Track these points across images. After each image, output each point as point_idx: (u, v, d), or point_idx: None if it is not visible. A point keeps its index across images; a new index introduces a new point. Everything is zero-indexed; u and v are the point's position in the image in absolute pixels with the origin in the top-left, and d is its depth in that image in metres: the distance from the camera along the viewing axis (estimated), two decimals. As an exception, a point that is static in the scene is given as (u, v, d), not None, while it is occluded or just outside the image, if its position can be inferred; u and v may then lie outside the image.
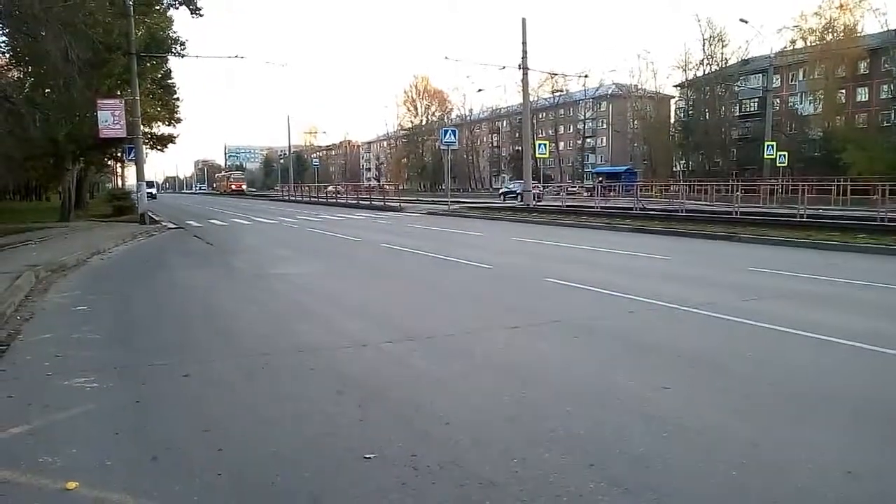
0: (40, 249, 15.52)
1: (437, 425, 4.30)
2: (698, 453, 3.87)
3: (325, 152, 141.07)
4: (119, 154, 38.22)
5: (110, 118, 24.10)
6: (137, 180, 28.31)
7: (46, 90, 26.60)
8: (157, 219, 27.87)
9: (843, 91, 58.54)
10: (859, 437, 4.13)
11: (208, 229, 24.04)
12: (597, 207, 29.30)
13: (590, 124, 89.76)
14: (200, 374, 5.58)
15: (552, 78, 73.47)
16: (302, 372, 5.63)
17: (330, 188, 72.55)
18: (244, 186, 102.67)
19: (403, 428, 4.26)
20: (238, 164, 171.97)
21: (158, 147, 39.84)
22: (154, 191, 68.15)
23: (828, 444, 4.03)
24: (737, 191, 27.68)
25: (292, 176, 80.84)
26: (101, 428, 4.35)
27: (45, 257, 13.25)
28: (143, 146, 30.76)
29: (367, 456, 3.80)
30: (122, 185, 61.00)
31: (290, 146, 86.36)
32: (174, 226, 25.57)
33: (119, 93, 27.42)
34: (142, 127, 28.70)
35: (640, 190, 38.64)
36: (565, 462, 3.71)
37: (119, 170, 65.11)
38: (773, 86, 51.55)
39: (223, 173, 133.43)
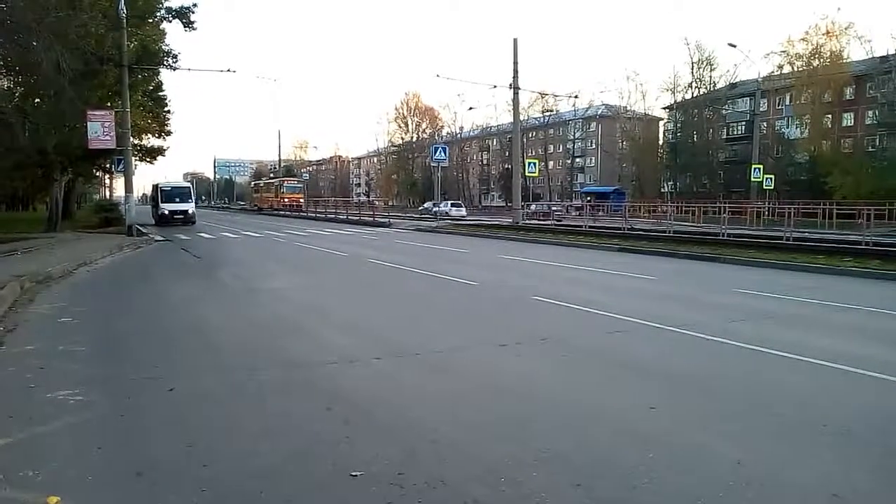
0: (26, 260, 15.39)
1: (424, 443, 4.29)
2: (684, 473, 3.88)
3: (315, 167, 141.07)
4: (108, 165, 38.09)
5: (100, 129, 24.03)
6: (126, 192, 28.18)
7: (36, 100, 26.53)
8: (144, 231, 27.70)
9: (830, 116, 59.27)
10: (844, 460, 4.15)
11: (196, 242, 23.93)
12: (585, 227, 29.40)
13: (579, 144, 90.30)
14: (186, 388, 5.54)
15: (542, 98, 74.07)
16: (289, 387, 5.60)
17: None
18: (302, 200, 63.38)
19: (390, 445, 4.24)
20: (286, 167, 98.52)
21: (148, 159, 39.82)
22: (191, 207, 38.20)
23: (813, 467, 4.05)
24: (724, 212, 27.84)
25: (251, 192, 79.24)
26: (85, 442, 4.31)
27: (30, 268, 13.12)
28: (133, 158, 30.66)
29: (354, 473, 3.78)
30: (111, 196, 59.78)
31: (279, 160, 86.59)
32: (161, 238, 25.42)
33: (110, 104, 27.36)
34: (132, 139, 28.64)
35: (628, 210, 38.84)
36: (552, 482, 3.71)
37: (107, 181, 64.57)
38: (761, 109, 52.14)
39: (267, 179, 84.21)
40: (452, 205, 54.00)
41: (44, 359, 6.45)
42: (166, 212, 36.62)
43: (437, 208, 44.04)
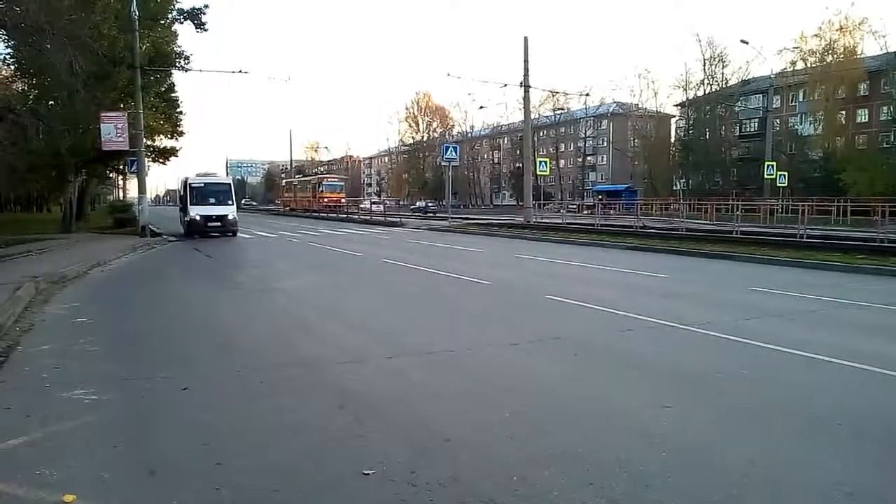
0: (41, 261, 15.53)
1: (437, 441, 4.29)
2: (698, 472, 3.86)
3: (326, 167, 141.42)
4: (121, 166, 38.33)
5: (113, 131, 24.21)
6: (139, 192, 28.33)
7: (50, 102, 26.75)
8: (157, 231, 27.85)
9: (843, 112, 58.77)
10: (858, 457, 4.12)
11: (209, 242, 24.02)
12: (597, 225, 29.31)
13: (590, 142, 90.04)
14: (200, 387, 5.57)
15: (553, 96, 74.15)
16: (302, 386, 5.62)
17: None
18: (344, 200, 57.16)
19: (403, 443, 4.25)
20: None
21: (160, 160, 39.93)
22: (231, 211, 27.75)
23: (827, 464, 4.02)
24: (737, 210, 27.71)
25: (283, 191, 77.44)
26: (100, 440, 4.34)
27: (45, 269, 13.24)
28: (146, 159, 30.82)
29: (366, 471, 3.79)
30: (124, 197, 59.81)
31: (291, 160, 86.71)
32: (175, 238, 25.55)
33: (122, 106, 27.53)
34: (144, 140, 28.79)
35: (641, 208, 38.79)
36: (565, 480, 3.70)
37: (121, 182, 64.89)
38: (774, 106, 51.70)
39: (302, 177, 70.87)
40: (372, 203, 66.82)
41: (59, 358, 6.51)
42: (197, 217, 26.77)
43: (363, 205, 57.18)
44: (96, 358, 6.65)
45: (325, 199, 54.31)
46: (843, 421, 4.78)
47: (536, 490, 3.57)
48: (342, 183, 63.41)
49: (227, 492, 3.58)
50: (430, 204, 72.47)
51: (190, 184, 28.12)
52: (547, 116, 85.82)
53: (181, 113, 39.53)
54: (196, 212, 26.88)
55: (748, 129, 68.19)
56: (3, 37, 21.74)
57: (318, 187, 58.17)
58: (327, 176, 65.20)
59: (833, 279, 13.14)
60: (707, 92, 66.69)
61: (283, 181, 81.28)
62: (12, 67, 26.60)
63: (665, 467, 3.86)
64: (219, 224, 27.01)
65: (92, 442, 4.33)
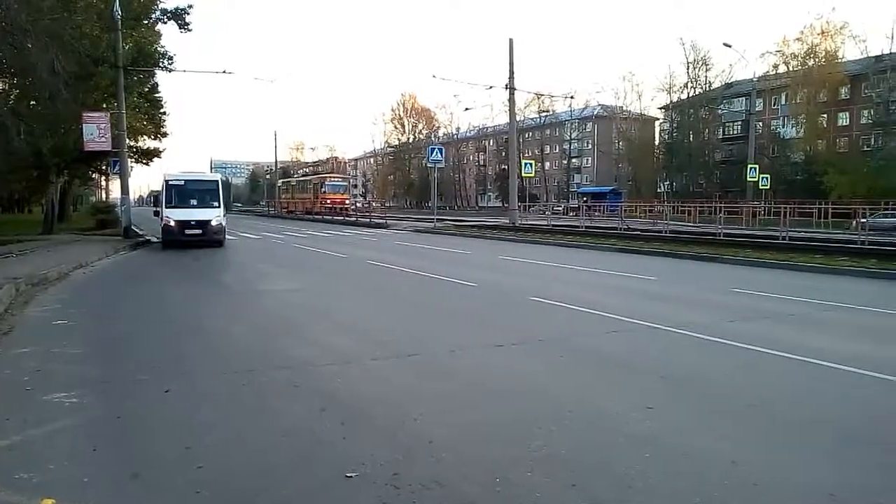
0: (21, 262, 15.33)
1: (421, 443, 4.29)
2: (680, 474, 3.88)
3: (311, 168, 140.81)
4: (104, 167, 38.00)
5: (95, 131, 23.95)
6: (122, 193, 28.08)
7: (32, 102, 26.45)
8: (140, 233, 27.61)
9: (825, 115, 59.41)
10: (841, 460, 4.16)
11: (192, 244, 23.77)
12: (582, 227, 29.45)
13: (575, 144, 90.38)
14: (182, 389, 5.53)
15: (538, 98, 74.42)
16: (285, 388, 5.59)
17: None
18: (348, 202, 54.55)
19: (386, 446, 4.24)
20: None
21: (144, 161, 39.63)
22: (216, 216, 22.05)
23: (810, 466, 4.06)
24: (720, 212, 27.95)
25: (278, 192, 77.14)
26: (81, 444, 4.30)
27: (26, 270, 13.08)
28: (129, 160, 30.56)
29: (349, 474, 3.78)
30: (107, 198, 59.14)
31: (276, 161, 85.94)
32: (157, 240, 25.28)
33: (105, 106, 27.28)
34: (127, 140, 28.55)
35: (625, 210, 38.99)
36: (548, 482, 3.71)
37: (104, 183, 64.28)
38: (756, 109, 52.13)
39: (299, 177, 70.05)
40: None
41: (40, 361, 6.43)
42: (171, 223, 21.55)
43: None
44: (78, 360, 6.58)
45: (328, 201, 51.26)
46: (827, 423, 4.84)
47: (519, 491, 3.58)
48: (346, 183, 59.49)
49: (209, 494, 3.56)
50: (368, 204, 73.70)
51: (168, 181, 22.91)
52: (532, 119, 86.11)
53: (164, 114, 39.32)
54: (171, 215, 21.68)
55: (731, 132, 68.77)
56: (-16, 36, 21.48)
57: (321, 188, 54.58)
58: (330, 175, 59.23)
59: (816, 281, 13.29)
60: (691, 95, 67.23)
61: (280, 181, 74.90)
62: (-7, 67, 26.27)
63: (648, 469, 3.88)
64: (199, 232, 21.56)
65: (73, 445, 4.28)
